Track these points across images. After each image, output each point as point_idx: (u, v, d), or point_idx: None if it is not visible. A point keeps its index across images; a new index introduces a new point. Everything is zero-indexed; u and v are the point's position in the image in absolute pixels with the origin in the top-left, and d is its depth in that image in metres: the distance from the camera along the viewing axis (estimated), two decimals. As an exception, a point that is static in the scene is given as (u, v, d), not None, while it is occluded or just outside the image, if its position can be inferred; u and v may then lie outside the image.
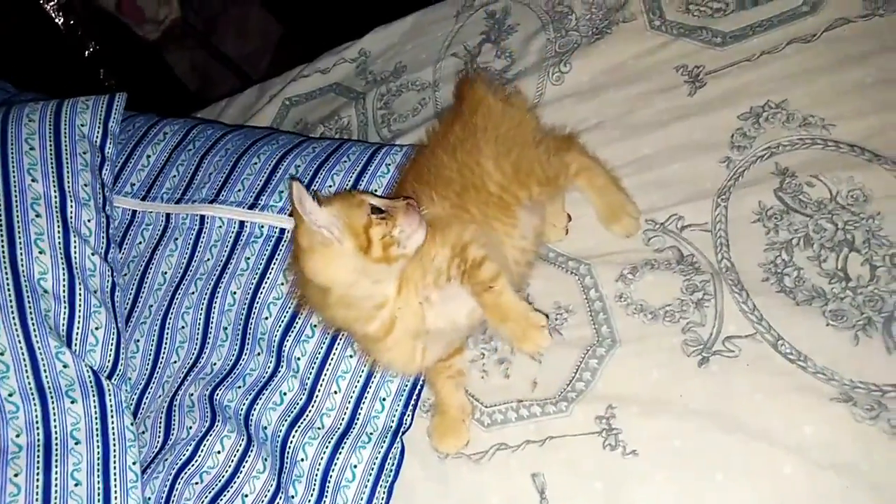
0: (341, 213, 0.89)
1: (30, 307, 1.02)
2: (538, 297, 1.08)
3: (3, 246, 1.04)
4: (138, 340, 1.17)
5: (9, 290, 1.02)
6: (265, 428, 1.05)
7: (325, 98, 1.58)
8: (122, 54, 2.38)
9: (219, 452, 1.07)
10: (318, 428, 1.05)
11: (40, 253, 1.06)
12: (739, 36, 1.11)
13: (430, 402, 1.09)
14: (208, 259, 1.17)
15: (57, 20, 2.11)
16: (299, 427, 1.05)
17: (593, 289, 1.04)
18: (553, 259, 1.09)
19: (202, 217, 1.19)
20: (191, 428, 1.10)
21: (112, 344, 1.11)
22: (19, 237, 1.06)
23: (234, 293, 1.13)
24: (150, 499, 1.05)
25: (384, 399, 1.08)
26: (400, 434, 1.07)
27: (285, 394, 1.07)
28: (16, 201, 1.08)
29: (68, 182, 1.13)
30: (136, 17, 2.48)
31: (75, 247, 1.10)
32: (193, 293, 1.16)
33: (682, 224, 1.02)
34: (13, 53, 1.98)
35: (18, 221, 1.06)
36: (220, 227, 1.18)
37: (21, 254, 1.05)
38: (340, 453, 1.03)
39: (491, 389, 1.05)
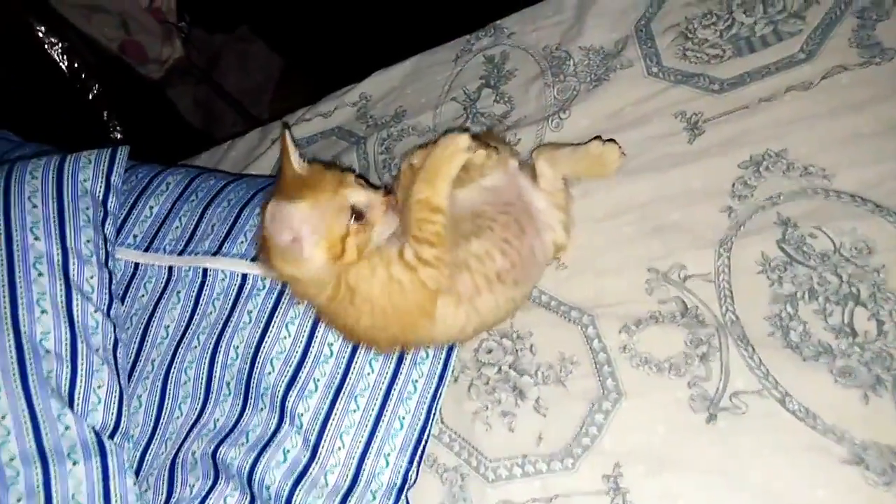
0: (320, 220, 0.91)
1: (31, 369, 1.02)
2: (541, 347, 1.08)
3: (5, 307, 1.04)
4: (140, 395, 1.17)
5: (11, 351, 1.02)
6: (268, 487, 1.04)
7: (327, 142, 1.58)
8: (125, 94, 2.40)
9: (222, 512, 1.06)
10: (323, 486, 1.04)
11: (42, 313, 1.06)
12: (737, 83, 1.11)
13: (434, 456, 1.08)
14: (211, 312, 1.17)
15: (62, 64, 2.13)
16: (303, 485, 1.04)
17: (596, 339, 1.04)
18: (555, 308, 1.09)
19: (205, 270, 1.19)
20: (194, 486, 1.09)
21: (115, 402, 1.10)
22: (21, 297, 1.06)
23: (237, 347, 1.13)
24: (153, 561, 1.04)
25: (388, 454, 1.07)
26: (405, 490, 1.06)
27: (288, 451, 1.06)
28: (18, 260, 1.08)
29: (71, 239, 1.13)
30: (140, 57, 2.51)
31: (78, 305, 1.10)
32: (196, 347, 1.16)
33: (685, 274, 1.02)
34: (17, 98, 2.00)
35: (21, 281, 1.07)
36: (223, 279, 1.18)
37: (23, 314, 1.05)
38: (345, 512, 1.01)
39: (495, 443, 1.05)
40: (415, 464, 1.07)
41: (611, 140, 1.11)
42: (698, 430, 0.91)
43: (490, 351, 1.11)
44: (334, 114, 1.61)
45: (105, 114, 2.26)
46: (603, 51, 1.28)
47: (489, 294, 0.98)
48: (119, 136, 2.34)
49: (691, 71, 1.16)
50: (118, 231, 1.27)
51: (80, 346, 1.08)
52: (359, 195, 0.95)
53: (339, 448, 1.06)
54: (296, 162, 1.00)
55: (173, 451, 1.12)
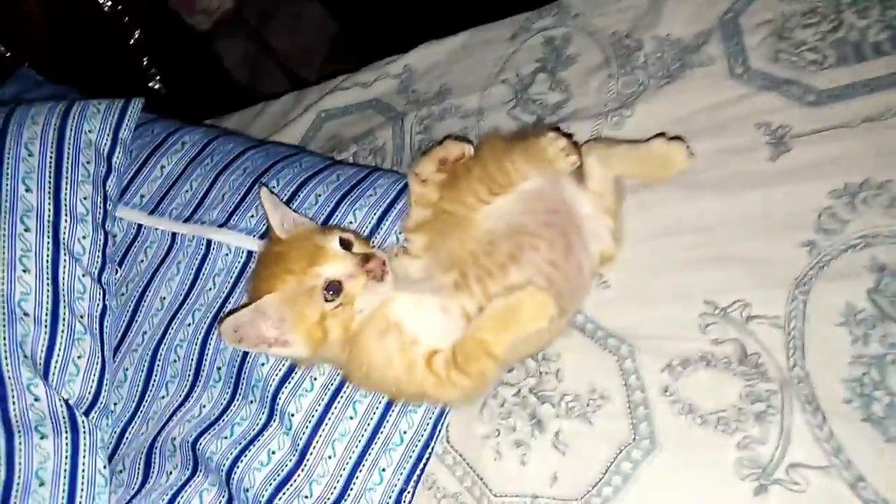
0: (287, 309, 0.82)
1: (4, 331, 0.93)
2: (569, 374, 0.94)
3: (-17, 261, 0.96)
4: (127, 369, 1.08)
5: (-16, 311, 0.93)
6: (247, 490, 0.93)
7: (362, 114, 1.46)
8: (169, 43, 2.32)
9: (196, 508, 0.96)
10: (305, 497, 0.93)
11: (24, 272, 0.97)
12: (838, 96, 0.94)
13: (434, 478, 0.97)
14: (210, 289, 1.07)
15: (104, 3, 2.05)
16: (285, 493, 0.93)
17: (634, 375, 0.90)
18: (591, 333, 0.95)
19: (209, 241, 1.09)
20: (171, 474, 0.99)
21: (95, 374, 1.01)
22: (2, 253, 0.97)
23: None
24: (115, 552, 0.95)
25: (384, 470, 0.95)
26: (397, 514, 0.94)
27: (274, 452, 0.96)
28: (4, 212, 0.99)
29: (65, 194, 1.04)
30: (187, 6, 2.42)
31: (65, 266, 1.00)
32: (190, 325, 1.06)
33: (749, 314, 0.87)
34: (53, 35, 1.92)
35: (4, 235, 0.98)
36: (227, 254, 1.07)
37: (2, 271, 0.96)
38: (326, 530, 0.91)
39: (503, 475, 0.92)
40: (412, 483, 0.95)
41: (677, 138, 0.96)
42: (744, 501, 0.77)
43: (510, 369, 0.98)
44: (374, 84, 1.48)
45: (144, 61, 2.19)
46: (680, 43, 1.12)
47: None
48: (158, 86, 2.26)
49: (783, 76, 1.00)
50: (125, 189, 1.17)
51: (62, 311, 0.98)
52: (334, 269, 0.83)
53: (330, 457, 0.95)
54: (277, 226, 0.91)
55: (154, 433, 1.03)
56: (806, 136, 0.94)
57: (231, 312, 0.82)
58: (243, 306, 0.82)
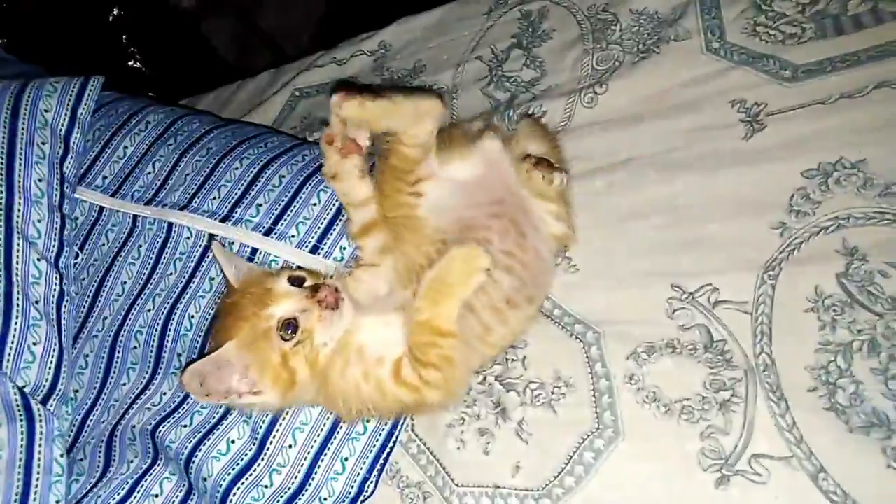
0: (247, 357, 0.78)
1: (-46, 319, 0.91)
2: (535, 361, 0.92)
3: (-68, 246, 0.93)
4: (87, 355, 1.06)
5: (-67, 296, 0.91)
6: (205, 479, 0.92)
7: (337, 93, 1.42)
8: (151, 21, 2.27)
9: (156, 496, 0.95)
10: (265, 486, 0.91)
11: (-26, 256, 0.95)
12: (815, 71, 0.90)
13: (397, 466, 0.95)
14: (171, 273, 1.04)
15: (80, -21, 2.00)
16: (243, 483, 0.91)
17: (600, 363, 0.87)
18: (558, 318, 0.92)
19: (170, 224, 1.06)
20: (131, 462, 0.98)
21: (52, 361, 0.99)
22: (-48, 237, 0.94)
23: (192, 317, 1.00)
24: (74, 541, 0.94)
25: (346, 459, 0.93)
26: (360, 502, 0.92)
27: (233, 441, 0.94)
28: (-46, 194, 0.96)
29: (19, 176, 1.01)
30: (168, -18, 2.36)
31: (18, 251, 0.98)
32: (150, 311, 1.03)
33: (717, 299, 0.84)
34: (27, 12, 1.88)
35: (-47, 218, 0.95)
36: (188, 238, 1.04)
37: (-48, 256, 0.93)
38: (286, 520, 0.89)
39: (465, 464, 0.90)
40: (374, 472, 0.93)
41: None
42: (704, 492, 0.75)
43: (492, 363, 0.95)
44: (350, 62, 1.44)
45: (123, 39, 2.14)
46: (657, 17, 1.08)
47: (502, 327, 0.84)
48: (138, 65, 2.22)
49: (760, 51, 0.96)
50: (87, 170, 1.14)
51: (15, 296, 0.96)
52: (284, 307, 0.80)
53: (290, 446, 0.93)
54: (232, 277, 0.87)
55: (115, 421, 1.01)
56: (781, 114, 0.91)
57: (189, 364, 0.79)
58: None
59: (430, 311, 0.79)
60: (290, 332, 0.78)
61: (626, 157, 0.98)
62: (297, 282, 0.83)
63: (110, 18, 2.10)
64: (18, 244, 0.98)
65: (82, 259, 1.10)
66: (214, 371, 0.77)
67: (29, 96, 1.06)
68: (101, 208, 1.12)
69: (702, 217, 0.89)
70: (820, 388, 0.74)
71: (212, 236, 1.03)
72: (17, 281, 0.97)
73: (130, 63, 2.16)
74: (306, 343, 0.79)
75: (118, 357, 1.04)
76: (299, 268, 0.93)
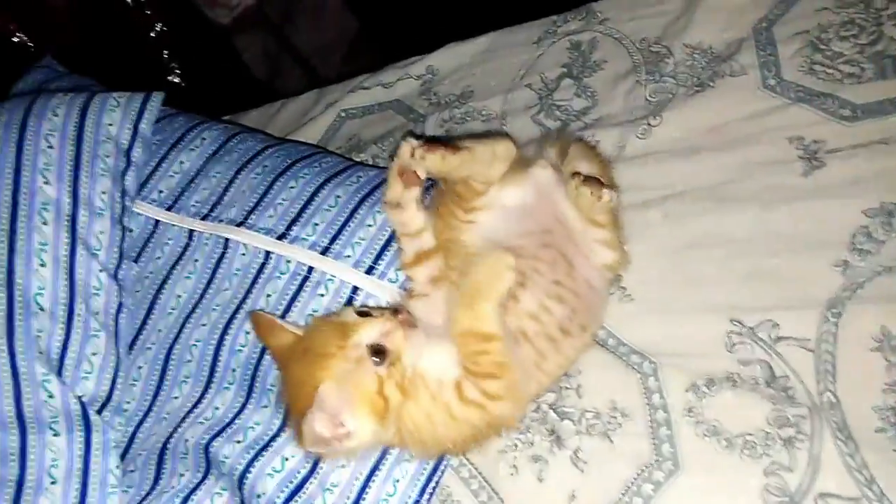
0: (345, 390, 0.77)
1: (20, 325, 0.93)
2: (589, 390, 0.92)
3: (2, 253, 0.95)
4: (141, 367, 1.07)
5: (0, 304, 0.92)
6: (259, 496, 0.92)
7: (383, 114, 1.44)
8: (189, 37, 2.31)
9: (207, 511, 0.95)
10: (318, 506, 0.92)
11: (41, 265, 0.96)
12: (875, 111, 0.92)
13: (448, 490, 0.95)
14: (226, 289, 1.05)
15: (127, -5, 2.04)
16: (297, 501, 0.92)
17: (657, 394, 0.88)
18: (613, 348, 0.93)
19: (227, 240, 1.08)
20: (182, 476, 0.98)
21: (109, 372, 1.00)
22: (21, 246, 0.96)
23: (248, 333, 1.01)
24: (124, 554, 0.94)
25: (398, 481, 0.94)
26: (410, 525, 0.93)
27: (287, 459, 0.94)
28: (23, 203, 0.98)
29: (84, 188, 1.03)
30: (209, -1, 2.41)
31: (81, 261, 0.99)
32: (205, 325, 1.04)
33: (778, 335, 0.84)
34: (75, 26, 1.92)
35: (22, 227, 0.97)
36: (244, 254, 1.06)
37: (20, 264, 0.95)
38: (338, 540, 0.89)
39: (519, 491, 0.90)
40: (426, 496, 0.94)
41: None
42: (769, 528, 0.75)
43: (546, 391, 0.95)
44: (396, 85, 1.46)
45: (165, 55, 2.18)
46: (711, 52, 1.10)
47: (556, 355, 0.85)
48: (177, 80, 2.26)
49: (818, 89, 0.97)
50: (143, 184, 1.16)
51: (77, 306, 0.97)
52: (370, 332, 0.81)
53: (344, 466, 0.93)
54: (287, 329, 0.88)
55: (167, 434, 1.02)
56: (841, 152, 0.91)
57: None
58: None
59: (468, 318, 0.80)
60: (379, 356, 0.79)
61: (681, 189, 0.99)
62: (362, 313, 0.84)
63: (152, 34, 2.14)
64: (82, 255, 1.00)
65: (137, 271, 1.12)
66: (318, 419, 0.76)
67: (94, 110, 1.09)
68: (157, 222, 1.14)
69: (760, 252, 0.90)
70: (889, 430, 0.74)
71: (268, 253, 1.04)
72: (80, 291, 0.99)
73: (170, 78, 2.20)
74: (398, 365, 0.79)
75: (171, 370, 1.05)
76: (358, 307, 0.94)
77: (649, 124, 1.07)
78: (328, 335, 0.81)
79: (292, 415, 0.83)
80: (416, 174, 0.92)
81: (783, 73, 1.01)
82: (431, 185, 1.01)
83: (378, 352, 0.79)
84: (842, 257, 0.85)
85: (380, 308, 0.90)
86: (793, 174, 0.93)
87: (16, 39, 1.83)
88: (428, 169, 0.87)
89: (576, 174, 0.88)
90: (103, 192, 1.05)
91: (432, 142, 0.87)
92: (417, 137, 0.87)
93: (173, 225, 1.13)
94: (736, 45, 1.08)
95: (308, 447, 0.78)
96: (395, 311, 0.82)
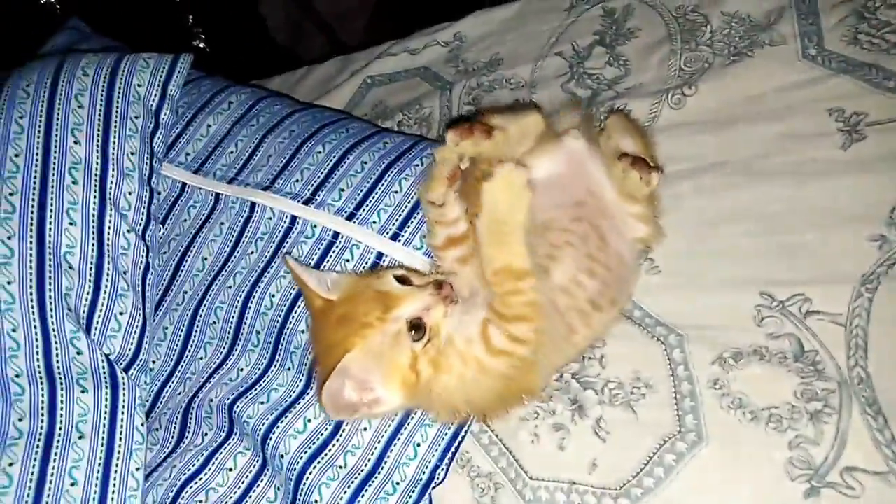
0: (377, 362, 0.77)
1: (50, 283, 0.94)
2: (613, 360, 0.91)
3: (32, 211, 0.96)
4: (167, 328, 1.08)
5: (31, 261, 0.94)
6: (282, 456, 0.93)
7: (409, 82, 1.43)
8: (214, 1, 2.30)
9: (230, 470, 0.97)
10: (340, 467, 0.93)
11: (71, 224, 0.97)
12: (921, 83, 0.89)
13: (468, 456, 0.95)
14: (252, 252, 1.06)
15: (153, -40, 2.03)
16: (319, 462, 0.93)
17: (682, 366, 0.87)
18: (639, 319, 0.92)
19: (252, 204, 1.08)
20: (206, 435, 1.00)
21: (136, 331, 1.01)
22: (51, 204, 0.97)
23: (273, 296, 1.02)
24: (150, 507, 0.96)
25: (418, 445, 0.94)
26: (430, 488, 0.93)
27: (310, 420, 0.95)
28: (54, 163, 0.99)
29: (113, 148, 1.03)
30: (234, -36, 2.39)
31: (110, 221, 1.00)
32: (231, 287, 1.05)
33: (809, 309, 0.83)
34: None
35: (53, 186, 0.97)
36: (270, 218, 1.06)
37: (50, 222, 0.96)
38: (359, 501, 0.90)
39: (540, 459, 0.90)
40: (446, 460, 0.94)
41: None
42: (793, 503, 0.74)
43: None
44: (423, 52, 1.44)
45: (190, 19, 2.17)
46: (750, 20, 1.06)
47: (585, 329, 0.84)
48: (201, 45, 2.25)
49: (861, 60, 0.94)
50: (170, 147, 1.16)
51: (106, 266, 0.98)
52: (411, 307, 0.79)
53: (365, 428, 0.94)
54: (320, 289, 0.86)
55: (191, 394, 1.03)
56: (882, 125, 0.89)
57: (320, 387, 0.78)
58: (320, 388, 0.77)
59: (499, 256, 0.78)
60: (417, 332, 0.78)
61: (714, 161, 0.97)
62: (404, 281, 0.84)
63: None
64: (111, 215, 1.01)
65: (163, 233, 1.13)
66: (339, 386, 0.77)
67: (124, 71, 1.09)
68: (184, 184, 1.15)
69: (795, 226, 0.88)
70: (921, 406, 0.72)
71: (294, 217, 1.05)
72: (108, 251, 1.00)
73: (195, 43, 2.19)
74: (435, 341, 0.79)
75: (196, 331, 1.06)
76: (397, 267, 0.93)
77: (683, 94, 1.05)
78: (370, 304, 0.80)
79: (319, 373, 0.83)
80: (459, 169, 0.90)
81: (825, 43, 0.98)
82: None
83: (416, 327, 0.79)
84: (879, 232, 0.83)
85: (418, 273, 0.89)
86: (831, 147, 0.91)
87: (42, 1, 1.84)
88: (463, 153, 0.85)
89: (623, 155, 0.86)
90: (132, 153, 1.06)
91: (462, 124, 0.85)
92: (452, 126, 0.84)
93: (200, 188, 1.13)
94: (776, 13, 1.05)
95: (326, 411, 0.79)
96: (439, 284, 0.81)
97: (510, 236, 0.77)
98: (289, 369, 0.99)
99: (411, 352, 0.79)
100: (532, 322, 0.78)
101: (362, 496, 0.90)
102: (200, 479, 0.96)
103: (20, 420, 0.91)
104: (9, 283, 0.94)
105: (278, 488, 0.95)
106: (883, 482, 0.71)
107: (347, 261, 1.00)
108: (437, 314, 0.80)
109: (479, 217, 0.78)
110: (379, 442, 0.94)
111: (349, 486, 0.91)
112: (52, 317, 0.93)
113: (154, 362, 1.07)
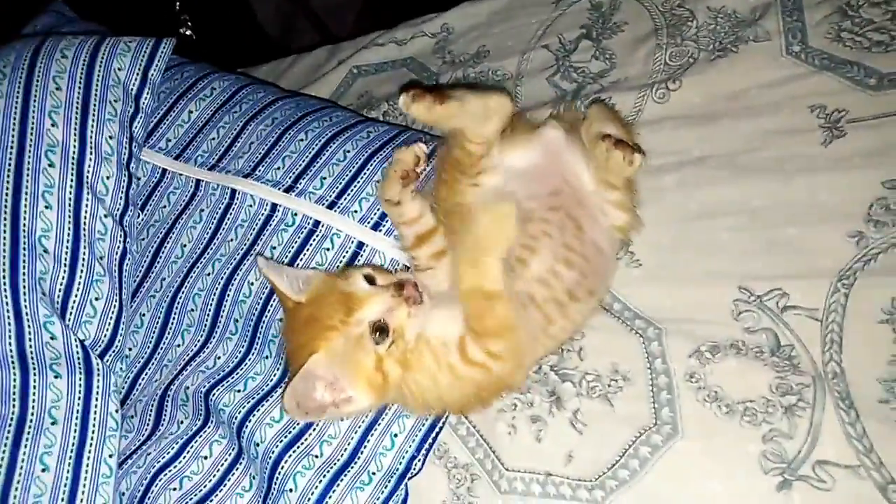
0: (342, 364, 0.77)
1: (24, 267, 0.92)
2: (591, 353, 0.91)
3: (6, 194, 0.94)
4: (144, 315, 1.07)
5: (4, 243, 0.92)
6: (258, 444, 0.93)
7: (396, 72, 1.42)
8: (203, -10, 2.28)
9: (205, 458, 0.96)
10: (315, 456, 0.92)
11: (46, 207, 0.96)
12: (901, 81, 0.89)
13: (446, 447, 0.95)
14: (231, 239, 1.05)
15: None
16: (295, 451, 0.92)
17: (660, 359, 0.87)
18: (618, 312, 0.92)
19: (233, 191, 1.07)
20: (182, 423, 0.99)
21: (112, 317, 1.00)
22: (26, 187, 0.95)
23: (252, 284, 1.01)
24: (123, 494, 0.95)
25: (395, 435, 0.94)
26: (406, 479, 0.93)
27: (286, 409, 0.94)
28: (30, 146, 0.97)
29: (91, 132, 1.02)
30: (223, -48, 2.36)
31: (87, 206, 0.99)
32: (209, 275, 1.04)
33: (786, 304, 0.83)
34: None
35: (28, 169, 0.96)
36: (251, 206, 1.05)
37: (25, 206, 0.95)
38: (335, 491, 0.90)
39: (516, 450, 0.90)
40: (423, 451, 0.94)
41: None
42: (765, 495, 0.75)
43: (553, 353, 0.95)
44: (410, 42, 1.44)
45: (177, 5, 2.15)
46: (735, 16, 1.07)
47: (563, 320, 0.84)
48: (188, 32, 2.23)
49: (843, 57, 0.94)
50: (151, 132, 1.15)
51: (82, 250, 0.97)
52: (373, 310, 0.80)
53: (342, 418, 0.94)
54: (290, 290, 0.86)
55: (167, 381, 1.03)
56: (863, 122, 0.89)
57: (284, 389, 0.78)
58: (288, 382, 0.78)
59: (472, 276, 0.78)
60: (380, 334, 0.78)
61: (697, 156, 0.97)
62: (370, 280, 0.83)
63: (166, -16, 2.11)
64: (87, 199, 0.99)
65: (143, 219, 1.11)
66: (305, 388, 0.77)
67: (104, 54, 1.07)
68: (164, 171, 1.13)
69: (775, 221, 0.88)
70: (892, 401, 0.73)
71: (275, 205, 1.04)
72: (85, 235, 0.98)
73: (181, 30, 2.17)
74: (399, 342, 0.79)
75: (174, 318, 1.05)
76: (364, 266, 0.93)
77: (668, 89, 1.05)
78: (334, 306, 0.80)
79: (290, 374, 0.83)
80: (414, 171, 0.91)
81: (809, 39, 0.98)
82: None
83: (379, 329, 0.78)
84: (857, 228, 0.83)
85: (388, 273, 0.89)
86: (812, 144, 0.91)
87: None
88: (416, 118, 0.84)
89: (606, 136, 0.85)
90: (110, 137, 1.04)
91: (423, 88, 0.84)
92: (405, 88, 0.83)
93: (180, 174, 1.12)
94: (761, 10, 1.05)
95: (290, 415, 0.80)
96: (399, 286, 0.81)
97: (486, 262, 0.77)
98: (266, 357, 0.98)
99: (375, 354, 0.79)
100: (507, 340, 0.78)
101: (337, 486, 0.90)
102: (175, 466, 0.95)
103: (-9, 404, 0.90)
104: (-19, 265, 0.93)
105: (253, 477, 0.94)
106: (854, 475, 0.72)
107: (328, 249, 0.99)
108: (401, 315, 0.80)
109: (462, 233, 0.80)
110: (356, 432, 0.93)
111: (324, 476, 0.90)
112: (25, 300, 0.92)
113: (130, 349, 1.06)
